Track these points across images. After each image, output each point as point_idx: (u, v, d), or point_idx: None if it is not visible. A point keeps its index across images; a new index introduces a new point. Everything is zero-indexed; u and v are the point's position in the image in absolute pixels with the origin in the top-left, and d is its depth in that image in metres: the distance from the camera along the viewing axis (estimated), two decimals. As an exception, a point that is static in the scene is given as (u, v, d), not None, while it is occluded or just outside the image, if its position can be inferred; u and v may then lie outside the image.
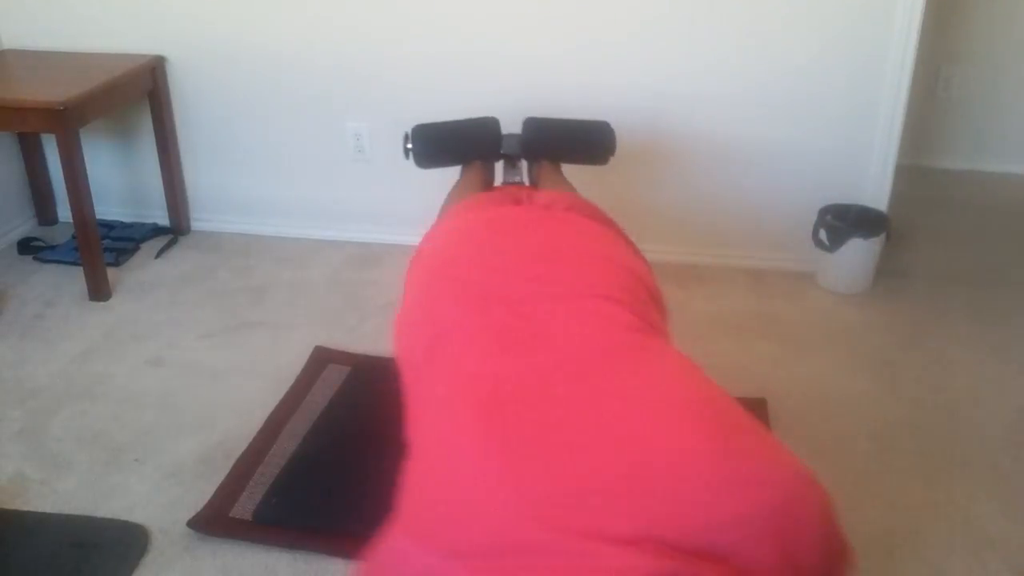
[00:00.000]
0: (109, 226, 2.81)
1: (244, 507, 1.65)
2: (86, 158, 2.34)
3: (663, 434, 0.86)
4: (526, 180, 2.11)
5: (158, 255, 2.70)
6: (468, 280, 1.17)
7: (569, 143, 2.06)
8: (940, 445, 1.87)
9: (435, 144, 2.08)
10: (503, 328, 1.06)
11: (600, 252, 1.28)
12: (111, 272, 2.52)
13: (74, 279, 2.49)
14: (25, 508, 1.66)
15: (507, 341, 1.03)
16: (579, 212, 1.44)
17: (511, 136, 2.08)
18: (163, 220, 2.85)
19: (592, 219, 1.43)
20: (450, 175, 2.64)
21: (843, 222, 2.44)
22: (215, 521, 1.62)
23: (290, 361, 2.13)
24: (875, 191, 2.49)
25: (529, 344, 1.02)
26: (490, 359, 1.01)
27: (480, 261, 1.20)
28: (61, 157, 2.27)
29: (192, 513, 1.63)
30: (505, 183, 2.11)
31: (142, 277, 2.57)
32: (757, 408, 1.95)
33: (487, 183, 2.05)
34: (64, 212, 2.86)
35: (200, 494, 1.69)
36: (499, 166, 2.15)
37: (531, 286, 1.14)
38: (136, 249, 2.72)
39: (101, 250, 2.43)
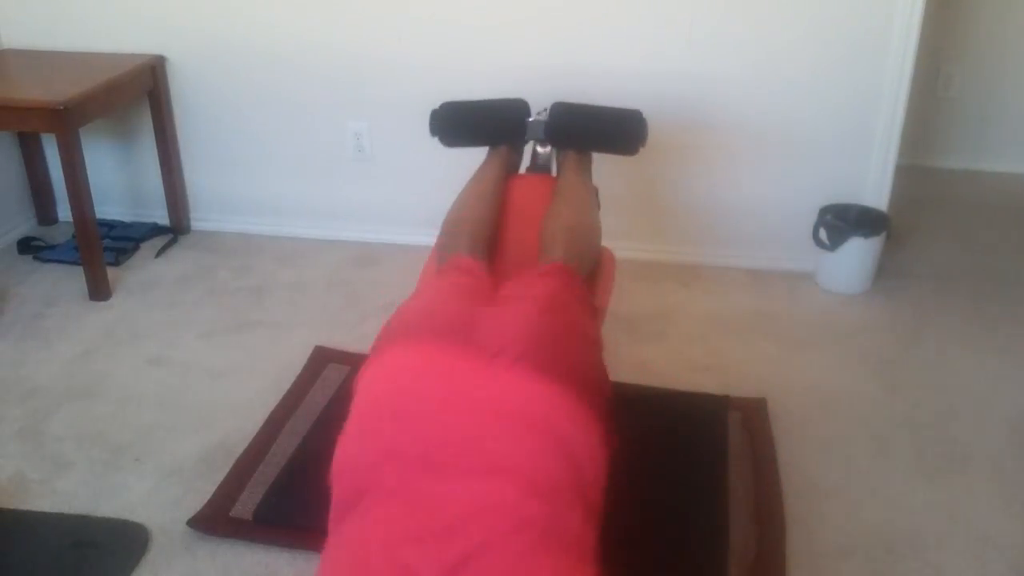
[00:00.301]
0: (109, 226, 2.81)
1: (244, 506, 1.65)
2: (86, 158, 2.34)
3: None
4: (554, 168, 2.03)
5: (158, 255, 2.70)
6: (393, 443, 1.12)
7: (595, 131, 1.94)
8: (940, 444, 1.87)
9: (457, 121, 2.00)
10: (411, 511, 1.04)
11: (530, 426, 1.13)
12: (111, 272, 2.52)
13: (74, 279, 2.49)
14: (25, 508, 1.66)
15: (413, 530, 1.02)
16: (529, 363, 1.17)
17: (538, 122, 1.98)
18: (163, 220, 2.85)
19: (538, 373, 1.17)
20: (449, 176, 2.65)
21: (843, 222, 2.44)
22: (215, 520, 1.62)
23: (290, 361, 2.13)
24: (875, 191, 2.49)
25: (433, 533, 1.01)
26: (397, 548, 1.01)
27: (405, 424, 1.14)
28: (61, 157, 2.27)
29: (192, 512, 1.63)
30: (529, 171, 2.03)
31: (142, 277, 2.57)
32: (757, 408, 1.96)
33: (508, 169, 1.96)
34: (64, 212, 2.86)
35: (200, 493, 1.69)
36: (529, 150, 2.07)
37: (447, 461, 1.09)
38: (136, 249, 2.72)
39: (101, 250, 2.43)
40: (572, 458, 1.12)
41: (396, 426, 1.12)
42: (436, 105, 2.01)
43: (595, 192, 1.91)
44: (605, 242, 1.80)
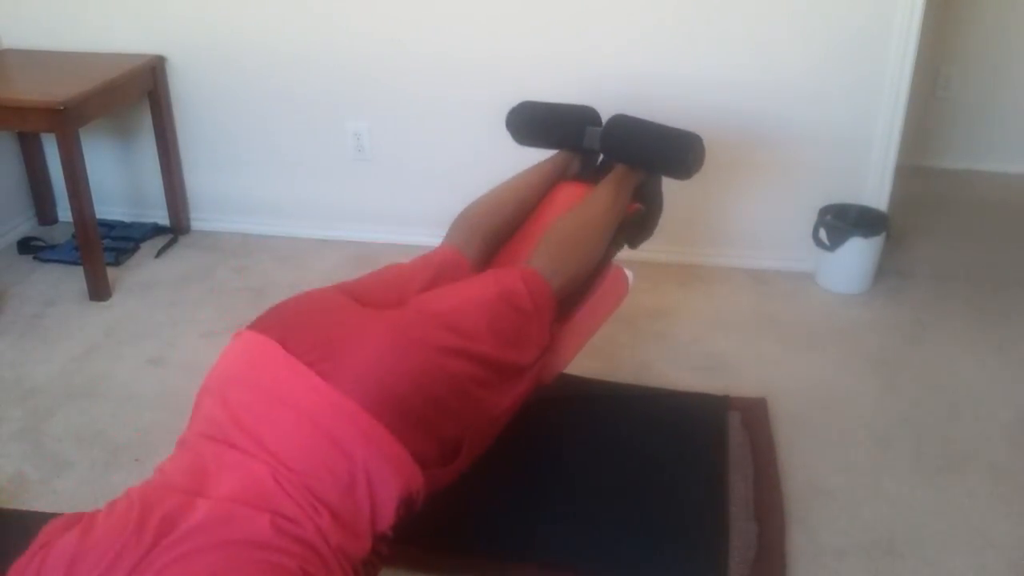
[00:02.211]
0: (109, 226, 2.81)
1: (244, 507, 1.64)
2: (86, 158, 2.34)
3: None
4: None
5: (158, 255, 2.70)
6: (205, 412, 1.29)
7: (648, 148, 1.87)
8: (940, 444, 1.87)
9: (525, 120, 2.00)
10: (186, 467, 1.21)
11: (314, 427, 1.21)
12: (111, 272, 2.52)
13: (74, 279, 2.49)
14: (25, 508, 1.66)
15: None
16: (340, 384, 1.23)
17: (596, 131, 1.94)
18: (163, 220, 2.85)
19: (341, 393, 1.23)
20: (449, 176, 2.65)
21: (843, 222, 2.44)
22: (215, 521, 1.62)
23: (290, 361, 2.13)
24: (875, 191, 2.49)
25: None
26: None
27: (216, 399, 1.29)
28: (61, 157, 2.27)
29: (192, 513, 1.63)
30: (579, 178, 2.00)
31: (142, 277, 2.57)
32: (757, 408, 1.96)
33: (561, 173, 1.96)
34: (64, 212, 2.86)
35: (200, 494, 1.69)
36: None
37: (228, 437, 1.22)
38: (136, 249, 2.72)
39: (101, 250, 2.43)
40: (346, 476, 1.18)
41: (211, 400, 1.29)
42: (512, 103, 2.03)
43: (619, 211, 1.83)
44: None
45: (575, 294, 1.69)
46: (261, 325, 1.36)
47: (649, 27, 2.39)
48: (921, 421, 1.94)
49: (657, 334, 2.28)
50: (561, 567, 1.52)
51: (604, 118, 1.96)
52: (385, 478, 1.21)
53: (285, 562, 1.06)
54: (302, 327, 1.34)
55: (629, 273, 1.85)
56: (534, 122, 2.00)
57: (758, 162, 2.50)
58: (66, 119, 2.24)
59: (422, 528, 1.59)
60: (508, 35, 2.46)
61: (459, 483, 1.69)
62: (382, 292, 1.51)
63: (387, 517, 1.22)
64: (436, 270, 1.62)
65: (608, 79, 2.45)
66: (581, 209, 1.78)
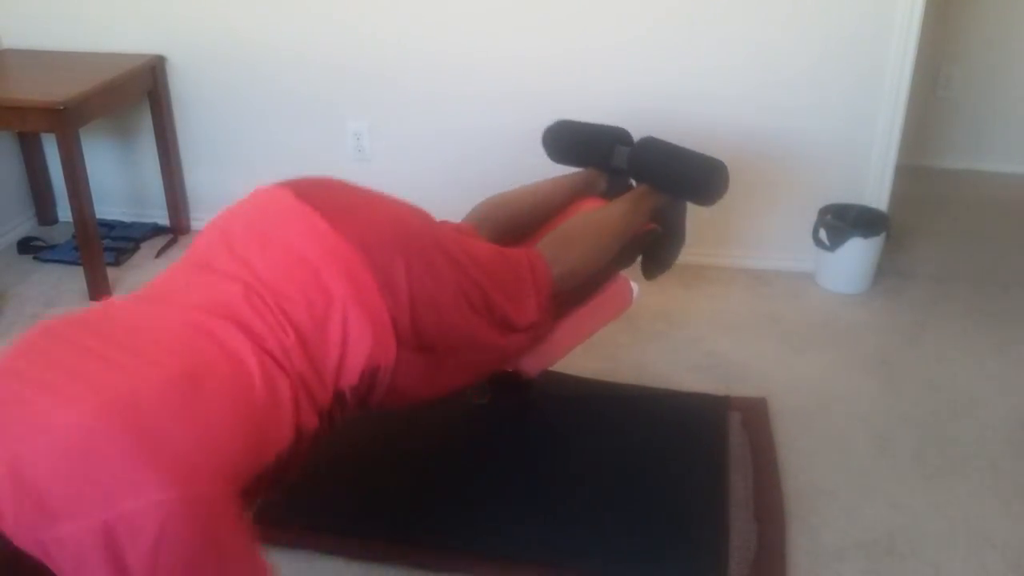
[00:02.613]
0: (109, 226, 2.81)
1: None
2: (86, 158, 2.34)
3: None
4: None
5: (158, 255, 2.70)
6: (218, 228, 1.33)
7: (671, 172, 1.87)
8: (940, 444, 1.87)
9: (558, 137, 2.00)
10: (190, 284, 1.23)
11: (299, 261, 1.24)
12: (111, 272, 2.52)
13: (74, 279, 2.49)
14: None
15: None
16: (346, 232, 1.25)
17: (623, 150, 1.94)
18: (163, 220, 2.85)
19: (343, 237, 1.25)
20: (448, 176, 2.65)
21: (843, 222, 2.44)
22: (215, 521, 1.62)
23: (290, 361, 2.13)
24: (875, 191, 2.49)
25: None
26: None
27: (227, 222, 1.33)
28: (61, 157, 2.27)
29: (192, 513, 1.63)
30: (605, 195, 1.99)
31: (142, 277, 2.57)
32: (757, 408, 1.96)
33: (587, 189, 1.95)
34: (64, 212, 2.86)
35: (200, 494, 1.69)
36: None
37: (223, 259, 1.25)
38: (136, 249, 2.72)
39: (101, 250, 2.43)
40: (321, 308, 1.18)
41: (210, 231, 1.31)
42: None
43: (632, 224, 1.81)
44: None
45: (576, 294, 1.69)
46: (282, 182, 1.37)
47: (649, 27, 2.39)
48: (921, 421, 1.94)
49: (658, 334, 2.28)
50: (561, 567, 1.53)
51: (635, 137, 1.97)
52: (361, 329, 1.19)
53: (242, 352, 1.07)
54: (323, 188, 1.37)
55: (635, 286, 1.85)
56: (565, 140, 2.00)
57: (759, 162, 2.50)
58: (66, 119, 2.24)
59: (423, 528, 1.59)
60: (508, 35, 2.46)
61: (458, 483, 1.70)
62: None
63: (353, 372, 1.19)
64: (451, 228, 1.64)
65: (608, 80, 2.45)
66: (594, 212, 1.80)
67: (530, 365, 1.68)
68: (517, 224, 1.82)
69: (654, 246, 1.92)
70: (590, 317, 1.76)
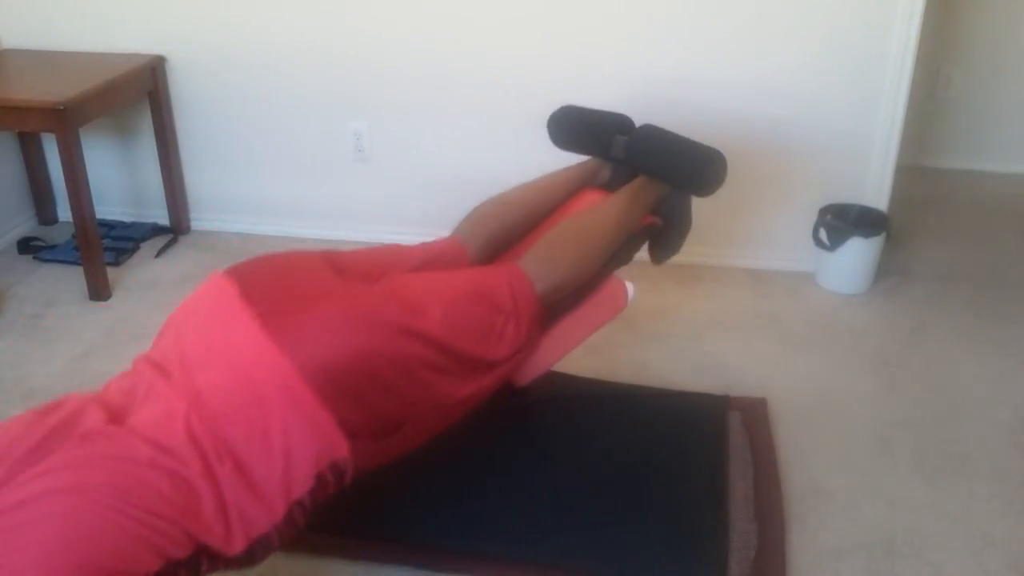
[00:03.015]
0: (109, 226, 2.81)
1: (244, 506, 1.64)
2: (86, 158, 2.34)
3: None
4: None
5: (158, 255, 2.70)
6: (159, 342, 1.42)
7: (668, 161, 1.84)
8: (940, 444, 1.87)
9: (560, 125, 1.98)
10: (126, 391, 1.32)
11: (239, 376, 1.27)
12: (111, 272, 2.52)
13: (74, 279, 2.49)
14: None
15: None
16: (281, 341, 1.26)
17: (621, 140, 1.91)
18: (163, 220, 2.85)
19: (280, 348, 1.25)
20: (448, 176, 2.65)
21: (843, 222, 2.44)
22: (215, 520, 1.62)
23: (290, 361, 2.13)
24: (875, 191, 2.49)
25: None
26: None
27: (170, 333, 1.41)
28: (61, 157, 2.27)
29: (192, 512, 1.63)
30: (607, 187, 1.95)
31: (142, 277, 2.57)
32: (757, 407, 1.96)
33: (589, 180, 1.93)
34: (64, 212, 2.86)
35: (200, 493, 1.69)
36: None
37: (173, 369, 1.31)
38: (136, 249, 2.72)
39: (101, 250, 2.44)
40: (260, 427, 1.21)
41: (170, 330, 1.40)
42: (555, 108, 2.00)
43: (629, 222, 1.79)
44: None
45: (568, 300, 1.67)
46: (233, 270, 1.43)
47: (649, 29, 2.39)
48: (921, 421, 1.94)
49: (657, 334, 2.28)
50: (561, 567, 1.53)
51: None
52: (302, 439, 1.21)
53: (147, 476, 1.11)
54: (268, 280, 1.41)
55: (630, 286, 1.80)
56: (568, 127, 1.98)
57: (759, 162, 2.50)
58: (66, 119, 2.24)
59: (423, 528, 1.59)
60: (509, 35, 2.46)
61: (458, 483, 1.70)
62: (367, 266, 1.54)
63: (303, 481, 1.22)
64: (432, 256, 1.65)
65: (607, 80, 2.45)
66: (586, 214, 1.76)
67: (520, 376, 1.67)
68: (513, 229, 1.79)
69: (660, 233, 1.90)
70: (583, 322, 1.72)
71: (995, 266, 2.65)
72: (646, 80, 2.44)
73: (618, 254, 1.77)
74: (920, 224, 2.90)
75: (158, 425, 1.19)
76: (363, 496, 1.66)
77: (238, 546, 1.17)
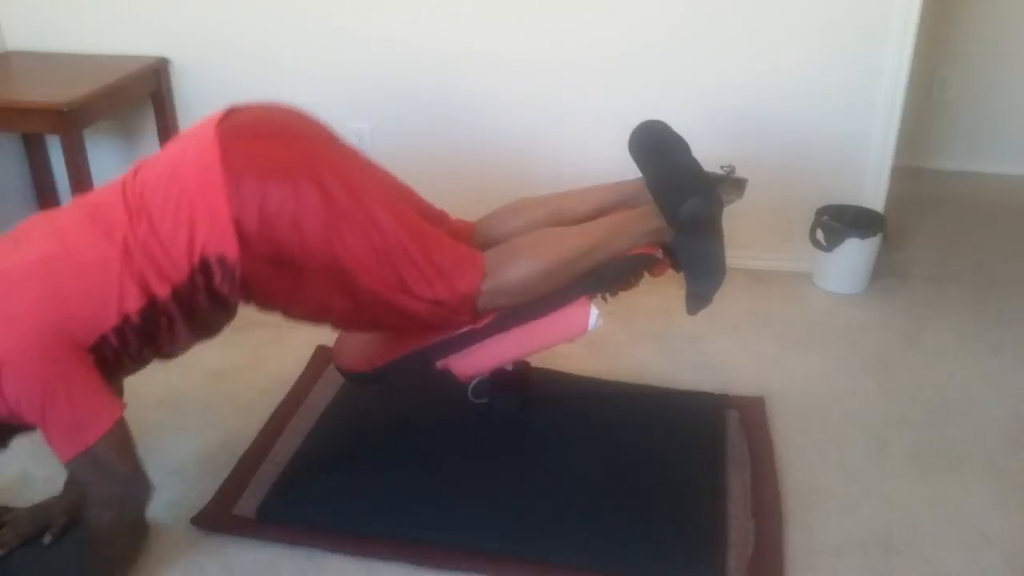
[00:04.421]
0: (111, 227, 2.82)
1: (247, 505, 1.66)
2: (90, 159, 2.35)
3: None
4: None
5: (160, 255, 2.71)
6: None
7: (657, 171, 1.68)
8: (937, 443, 1.88)
9: (632, 137, 1.83)
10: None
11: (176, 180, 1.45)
12: (114, 272, 2.53)
13: (77, 279, 2.50)
14: (29, 506, 1.68)
15: None
16: (230, 173, 1.41)
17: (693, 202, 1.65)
18: (165, 221, 2.86)
19: (228, 178, 1.41)
20: (449, 176, 2.66)
21: (840, 222, 2.46)
22: (218, 518, 1.63)
23: (292, 360, 2.14)
24: (872, 192, 2.51)
25: None
26: None
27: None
28: (65, 158, 2.29)
29: (195, 511, 1.65)
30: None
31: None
32: (755, 407, 1.97)
33: (621, 197, 1.77)
34: (67, 213, 2.87)
35: (203, 492, 1.70)
36: None
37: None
38: (138, 249, 2.73)
39: (104, 250, 2.45)
40: (174, 200, 1.42)
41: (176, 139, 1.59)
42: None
43: (610, 250, 1.63)
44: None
45: (532, 307, 1.61)
46: (228, 109, 1.49)
47: (648, 29, 2.40)
48: (918, 420, 1.96)
49: (656, 333, 2.30)
50: (560, 564, 1.54)
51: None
52: (201, 217, 1.39)
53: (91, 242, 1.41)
54: (256, 120, 1.50)
55: (595, 314, 1.63)
56: (633, 144, 1.82)
57: (756, 163, 2.51)
58: (70, 121, 2.25)
59: (422, 525, 1.61)
60: (510, 34, 2.47)
61: (458, 482, 1.71)
62: (373, 171, 1.62)
63: (197, 253, 1.39)
64: (436, 215, 1.72)
65: (607, 75, 2.47)
66: (563, 230, 1.66)
67: (464, 367, 1.67)
68: (529, 230, 1.72)
69: (689, 278, 1.71)
70: (537, 335, 1.65)
71: (991, 266, 2.67)
72: (647, 81, 2.46)
73: (601, 278, 1.64)
74: (916, 225, 2.92)
75: (104, 200, 1.50)
76: (363, 495, 1.68)
77: (161, 292, 1.40)
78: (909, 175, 3.25)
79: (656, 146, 1.75)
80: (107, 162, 2.85)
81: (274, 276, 1.45)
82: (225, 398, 2.01)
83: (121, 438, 1.41)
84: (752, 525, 1.61)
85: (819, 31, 2.34)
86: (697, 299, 1.73)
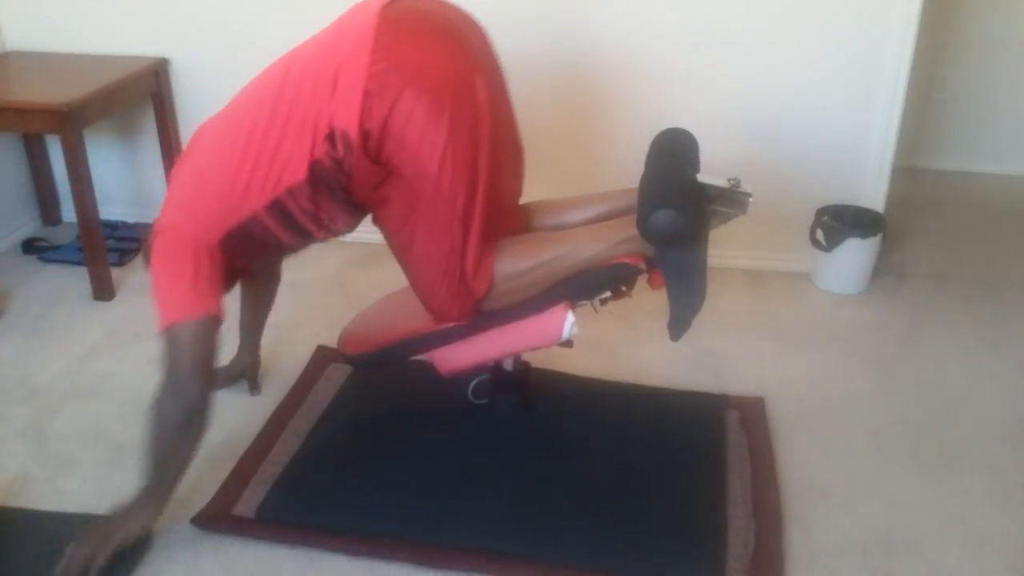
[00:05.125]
0: (113, 226, 2.82)
1: (247, 504, 1.66)
2: (90, 159, 2.35)
3: None
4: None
5: (160, 255, 2.71)
6: None
7: (642, 179, 1.62)
8: (937, 443, 1.88)
9: (654, 145, 1.79)
10: None
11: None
12: (115, 272, 2.54)
13: (78, 279, 2.51)
14: (29, 506, 1.68)
15: None
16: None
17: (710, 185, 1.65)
18: (165, 221, 2.86)
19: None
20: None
21: (840, 222, 2.46)
22: (218, 518, 1.63)
23: (293, 360, 2.14)
24: (872, 192, 2.51)
25: None
26: None
27: None
28: (65, 158, 2.29)
29: (195, 510, 1.65)
30: None
31: (145, 277, 2.56)
32: (755, 407, 1.97)
33: (625, 204, 1.71)
34: (68, 212, 2.88)
35: (203, 492, 1.70)
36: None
37: None
38: (140, 249, 2.74)
39: (105, 250, 2.45)
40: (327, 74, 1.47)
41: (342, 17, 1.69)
42: None
43: (589, 256, 1.59)
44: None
45: (512, 311, 1.61)
46: (390, 15, 1.48)
47: (647, 27, 2.40)
48: (918, 420, 1.96)
49: (656, 333, 2.30)
50: (559, 565, 1.54)
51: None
52: (341, 95, 1.45)
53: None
54: (421, 19, 1.52)
55: (571, 322, 1.60)
56: (650, 148, 1.77)
57: (756, 163, 2.52)
58: (70, 121, 2.25)
59: (422, 525, 1.61)
60: (508, 34, 2.47)
61: (458, 481, 1.72)
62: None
63: (327, 122, 1.45)
64: (512, 200, 1.70)
65: (606, 72, 2.47)
66: (545, 237, 1.65)
67: (443, 361, 1.69)
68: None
69: (669, 296, 1.65)
70: (515, 336, 1.65)
71: (990, 266, 2.67)
72: (646, 80, 2.46)
73: (581, 285, 1.61)
74: (916, 225, 2.92)
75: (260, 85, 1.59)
76: (364, 494, 1.68)
77: (301, 174, 1.48)
78: (909, 175, 3.25)
79: (660, 153, 1.72)
80: (107, 162, 2.86)
81: (369, 176, 1.49)
82: (225, 398, 2.02)
83: (201, 337, 1.50)
84: (752, 525, 1.62)
85: (819, 31, 2.34)
86: (678, 323, 1.66)
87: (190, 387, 1.51)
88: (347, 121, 1.42)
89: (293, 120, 1.46)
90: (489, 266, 1.56)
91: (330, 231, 1.62)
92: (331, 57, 1.47)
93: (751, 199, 1.57)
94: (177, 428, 1.52)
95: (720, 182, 1.59)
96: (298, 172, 1.47)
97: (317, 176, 1.48)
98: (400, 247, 1.60)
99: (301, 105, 1.46)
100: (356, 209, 1.59)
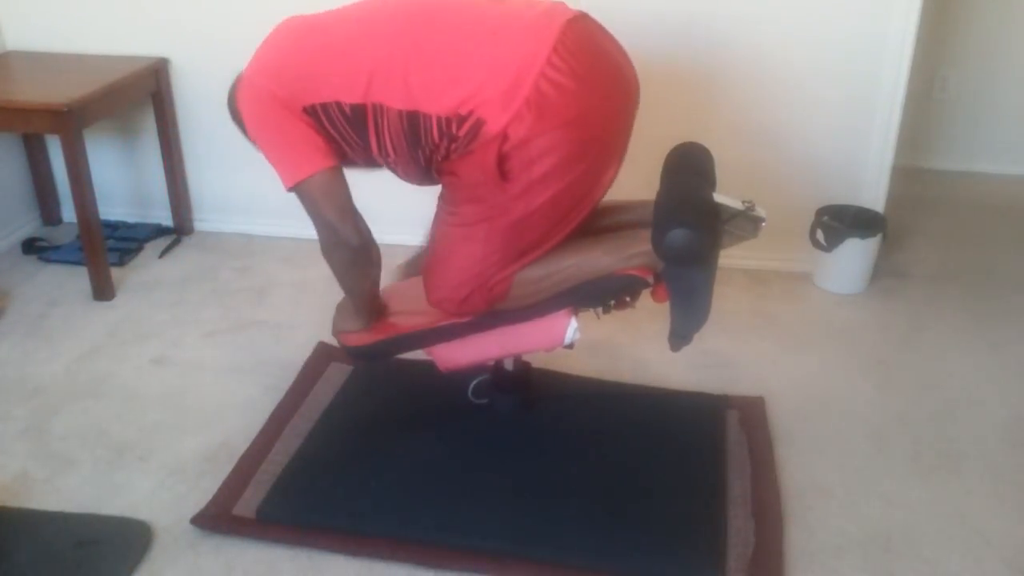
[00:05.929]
0: (113, 226, 2.83)
1: (247, 504, 1.66)
2: (90, 159, 2.36)
3: None
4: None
5: (161, 255, 2.72)
6: None
7: (659, 194, 1.62)
8: (937, 443, 1.88)
9: (677, 163, 1.79)
10: None
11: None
12: (115, 272, 2.54)
13: (78, 279, 2.51)
14: (29, 506, 1.68)
15: None
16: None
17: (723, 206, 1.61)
18: (166, 220, 2.86)
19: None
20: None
21: (840, 222, 2.46)
22: (218, 518, 1.63)
23: (293, 359, 2.14)
24: (872, 192, 2.51)
25: None
26: None
27: None
28: (65, 158, 2.29)
29: (195, 510, 1.65)
30: None
31: (145, 277, 2.59)
32: (755, 407, 1.97)
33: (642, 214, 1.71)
34: (68, 212, 2.88)
35: (203, 492, 1.70)
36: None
37: None
38: (140, 249, 2.74)
39: (105, 250, 2.45)
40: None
41: None
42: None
43: (596, 268, 1.60)
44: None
45: (518, 312, 1.62)
46: (570, 35, 1.46)
47: (647, 26, 2.40)
48: (918, 420, 1.96)
49: (656, 333, 2.30)
50: (559, 565, 1.54)
51: None
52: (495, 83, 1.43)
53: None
54: (591, 37, 1.54)
55: (573, 328, 1.63)
56: (665, 162, 1.76)
57: (756, 163, 2.52)
58: (70, 121, 2.25)
59: (423, 526, 1.61)
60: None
61: (458, 482, 1.72)
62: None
63: (469, 105, 1.43)
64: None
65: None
66: (566, 248, 1.62)
67: (443, 358, 1.70)
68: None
69: (672, 310, 1.66)
70: (517, 338, 1.67)
71: (990, 267, 2.67)
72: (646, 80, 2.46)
73: (587, 293, 1.61)
74: (916, 225, 2.92)
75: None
76: (364, 494, 1.68)
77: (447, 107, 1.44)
78: (909, 175, 3.25)
79: (677, 168, 1.71)
80: (107, 162, 2.86)
81: (480, 169, 1.46)
82: (226, 398, 2.02)
83: (329, 187, 1.57)
84: (751, 525, 1.62)
85: (819, 32, 2.34)
86: (679, 338, 1.68)
87: (341, 230, 1.59)
88: (493, 115, 1.40)
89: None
90: (513, 273, 1.57)
91: (373, 163, 1.67)
92: (508, 45, 1.44)
93: (764, 224, 1.57)
94: (350, 266, 1.67)
95: (735, 203, 1.58)
96: (431, 108, 1.45)
97: (414, 127, 1.48)
98: (446, 233, 1.61)
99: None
100: (424, 171, 1.59)
